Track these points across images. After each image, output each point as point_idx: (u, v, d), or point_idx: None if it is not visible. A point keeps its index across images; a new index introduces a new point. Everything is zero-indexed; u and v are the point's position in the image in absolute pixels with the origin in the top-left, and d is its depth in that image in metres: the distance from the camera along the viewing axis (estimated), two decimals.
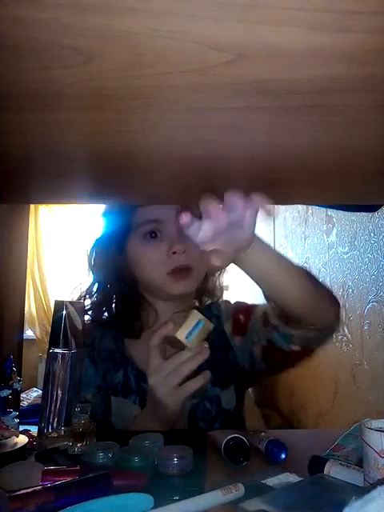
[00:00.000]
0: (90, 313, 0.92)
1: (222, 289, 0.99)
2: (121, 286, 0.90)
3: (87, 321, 0.93)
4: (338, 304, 0.77)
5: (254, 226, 0.58)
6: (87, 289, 0.92)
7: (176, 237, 0.82)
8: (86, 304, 0.91)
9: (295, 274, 0.69)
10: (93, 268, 0.92)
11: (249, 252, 0.62)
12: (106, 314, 0.93)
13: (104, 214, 0.92)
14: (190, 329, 0.70)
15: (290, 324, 0.75)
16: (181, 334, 0.70)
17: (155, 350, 0.71)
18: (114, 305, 0.93)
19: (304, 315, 0.72)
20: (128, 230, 0.86)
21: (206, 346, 0.71)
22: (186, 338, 0.70)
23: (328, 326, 0.76)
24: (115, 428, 0.83)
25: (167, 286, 0.84)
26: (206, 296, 0.98)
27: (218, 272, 0.96)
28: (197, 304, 0.98)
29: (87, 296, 0.92)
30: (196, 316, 0.71)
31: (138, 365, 0.87)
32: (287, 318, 0.75)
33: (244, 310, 0.91)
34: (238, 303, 0.96)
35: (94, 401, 0.82)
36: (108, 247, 0.89)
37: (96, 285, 0.92)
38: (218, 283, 0.98)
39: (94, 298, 0.92)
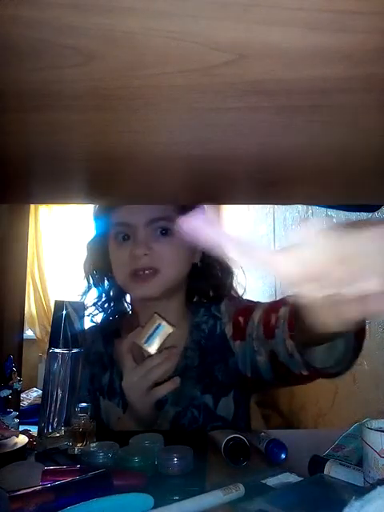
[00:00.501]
0: (89, 316, 0.94)
1: (227, 287, 0.94)
2: (107, 287, 0.94)
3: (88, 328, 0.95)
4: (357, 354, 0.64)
5: None
6: (84, 292, 0.95)
7: (143, 239, 0.82)
8: (86, 304, 0.93)
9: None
10: (86, 272, 0.95)
11: None
12: (98, 309, 0.96)
13: (94, 218, 0.95)
14: (150, 333, 0.72)
15: (305, 354, 0.63)
16: (140, 339, 0.72)
17: (127, 355, 0.74)
18: (102, 307, 0.95)
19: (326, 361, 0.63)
20: (107, 232, 0.88)
21: (175, 351, 0.74)
22: (145, 342, 0.72)
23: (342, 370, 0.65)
24: (107, 427, 0.85)
25: (129, 287, 0.86)
26: (206, 294, 0.97)
27: (219, 271, 0.93)
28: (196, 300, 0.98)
29: (84, 296, 0.95)
30: (155, 320, 0.73)
31: (121, 368, 0.87)
32: (307, 349, 0.63)
33: (243, 310, 0.85)
34: (239, 302, 0.91)
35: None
36: (94, 249, 0.93)
37: (92, 289, 0.95)
38: (219, 281, 0.94)
39: (92, 301, 0.95)
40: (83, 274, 0.95)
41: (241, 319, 0.85)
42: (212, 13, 0.26)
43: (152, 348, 0.72)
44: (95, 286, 0.95)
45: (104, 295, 0.95)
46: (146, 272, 0.82)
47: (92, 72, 0.33)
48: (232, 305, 0.90)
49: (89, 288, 0.95)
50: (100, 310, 0.95)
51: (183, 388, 0.79)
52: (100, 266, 0.92)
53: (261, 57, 0.31)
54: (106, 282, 0.94)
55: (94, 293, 0.95)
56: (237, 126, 0.43)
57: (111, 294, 0.95)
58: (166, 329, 0.72)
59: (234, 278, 0.94)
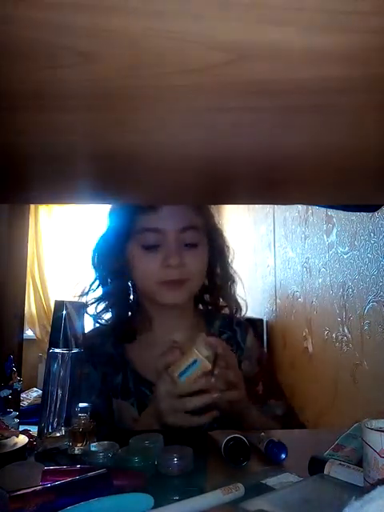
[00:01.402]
0: (89, 310, 0.92)
1: (237, 303, 0.97)
2: (118, 287, 0.92)
3: (89, 330, 0.95)
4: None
5: None
6: (89, 285, 0.93)
7: (174, 250, 0.82)
8: (87, 301, 0.92)
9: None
10: (94, 265, 0.93)
11: None
12: (104, 317, 0.94)
13: (110, 213, 0.93)
14: (185, 367, 0.68)
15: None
16: (174, 371, 0.68)
17: (164, 374, 0.71)
18: (111, 307, 0.93)
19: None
20: (128, 235, 0.86)
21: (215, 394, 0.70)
22: (179, 376, 0.68)
23: None
24: (118, 427, 0.85)
25: (159, 294, 0.85)
26: (218, 307, 0.97)
27: (230, 283, 0.95)
28: (200, 308, 0.98)
29: (88, 293, 0.93)
30: (192, 354, 0.68)
31: (137, 368, 0.88)
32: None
33: (267, 380, 0.92)
34: (259, 345, 0.97)
35: (97, 402, 0.84)
36: (109, 247, 0.90)
37: (96, 282, 0.93)
38: (230, 295, 0.96)
39: (95, 296, 0.93)
40: (92, 272, 0.93)
41: (260, 386, 0.91)
42: (212, 13, 0.26)
43: (184, 384, 0.68)
44: (103, 286, 0.93)
45: (115, 296, 0.93)
46: (176, 282, 0.83)
47: (91, 72, 0.33)
48: (257, 346, 0.97)
49: (97, 286, 0.93)
50: (109, 310, 0.93)
51: None
52: (114, 268, 0.90)
53: (261, 57, 0.31)
54: (118, 284, 0.92)
55: (99, 291, 0.93)
56: (237, 126, 0.43)
57: (123, 295, 0.93)
58: (203, 364, 0.67)
59: (235, 286, 0.97)
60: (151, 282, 0.84)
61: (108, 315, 0.94)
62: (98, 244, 0.93)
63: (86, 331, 0.94)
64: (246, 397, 0.77)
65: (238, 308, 0.96)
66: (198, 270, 0.87)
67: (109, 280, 0.92)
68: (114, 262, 0.89)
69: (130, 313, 0.93)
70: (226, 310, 0.97)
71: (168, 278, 0.83)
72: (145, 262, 0.85)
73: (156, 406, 0.72)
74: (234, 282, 0.95)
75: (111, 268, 0.90)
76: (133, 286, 0.92)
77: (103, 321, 0.94)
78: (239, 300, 0.97)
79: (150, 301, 0.89)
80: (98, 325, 0.94)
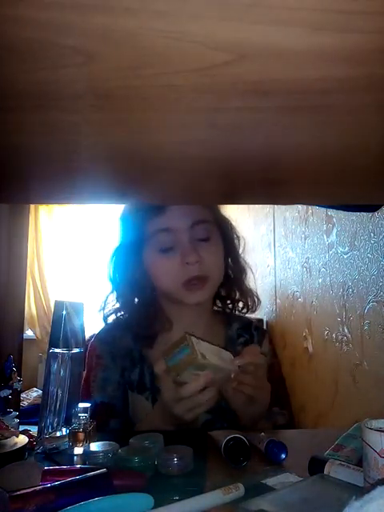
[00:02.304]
0: (108, 320, 0.94)
1: (251, 295, 0.97)
2: (139, 294, 0.91)
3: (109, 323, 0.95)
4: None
5: None
6: (106, 298, 0.93)
7: (189, 247, 0.82)
8: (105, 313, 0.92)
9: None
10: (111, 278, 0.92)
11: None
12: (125, 315, 0.94)
13: (121, 219, 0.93)
14: (173, 353, 0.66)
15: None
16: (165, 354, 0.67)
17: (165, 376, 0.69)
18: (131, 317, 0.93)
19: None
20: (142, 240, 0.86)
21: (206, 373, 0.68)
22: (167, 361, 0.67)
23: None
24: (132, 421, 0.86)
25: (183, 295, 0.85)
26: (234, 302, 0.97)
27: (243, 275, 0.95)
28: (219, 307, 0.98)
29: (106, 306, 0.93)
30: (183, 340, 0.66)
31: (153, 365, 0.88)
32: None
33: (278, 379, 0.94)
34: (273, 352, 0.97)
35: (114, 394, 0.87)
36: (126, 258, 0.90)
37: (114, 294, 0.93)
38: (244, 287, 0.96)
39: (113, 307, 0.93)
40: (109, 284, 0.93)
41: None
42: (212, 13, 0.26)
43: (172, 369, 0.66)
44: (122, 298, 0.92)
45: (134, 306, 0.92)
46: (199, 278, 0.83)
47: (92, 72, 0.33)
48: (271, 354, 1.00)
49: (115, 299, 0.93)
50: (128, 311, 0.93)
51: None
52: (134, 278, 0.89)
53: (261, 57, 0.31)
54: (138, 293, 0.91)
55: (118, 299, 0.93)
56: (237, 126, 0.43)
57: (144, 304, 0.91)
58: (192, 355, 0.64)
59: (247, 278, 0.97)
60: (174, 284, 0.84)
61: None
62: (113, 257, 0.92)
63: (105, 324, 0.96)
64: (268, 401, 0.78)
65: (253, 302, 0.96)
66: (217, 265, 0.87)
67: (127, 291, 0.92)
68: (132, 273, 0.89)
69: (148, 319, 0.92)
70: (243, 311, 0.97)
71: (189, 276, 0.83)
72: (164, 265, 0.85)
73: (161, 397, 0.73)
74: (246, 274, 0.96)
75: (131, 279, 0.90)
76: (152, 291, 0.91)
77: (121, 315, 0.94)
78: (253, 292, 0.97)
79: (171, 301, 0.89)
80: (116, 318, 0.95)
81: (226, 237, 0.93)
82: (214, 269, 0.85)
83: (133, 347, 0.91)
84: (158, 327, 0.91)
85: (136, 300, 0.92)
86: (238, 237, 0.97)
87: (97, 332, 0.95)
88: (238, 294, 0.96)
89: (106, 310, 0.93)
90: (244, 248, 0.97)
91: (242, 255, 0.96)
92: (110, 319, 0.94)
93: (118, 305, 0.93)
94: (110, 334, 0.93)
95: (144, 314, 0.90)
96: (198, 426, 0.84)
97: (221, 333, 0.91)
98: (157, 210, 0.83)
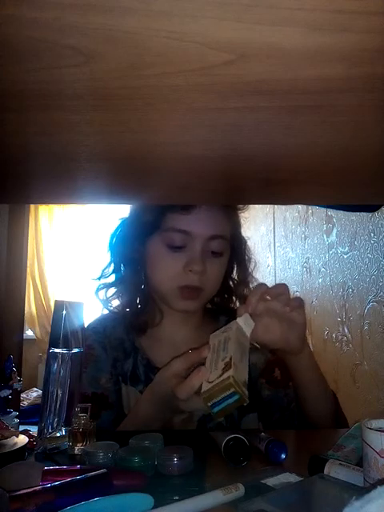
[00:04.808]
0: (99, 295, 0.92)
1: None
2: (130, 275, 0.90)
3: (101, 315, 0.95)
4: (335, 407, 0.82)
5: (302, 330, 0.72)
6: (103, 269, 0.92)
7: (199, 256, 0.81)
8: (98, 285, 0.91)
9: (324, 392, 0.80)
10: (110, 249, 0.91)
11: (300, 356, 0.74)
12: (114, 304, 0.93)
13: (132, 208, 0.91)
14: (220, 398, 0.57)
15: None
16: (207, 401, 0.58)
17: (174, 381, 0.64)
18: (121, 295, 0.92)
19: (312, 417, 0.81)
20: (153, 229, 0.84)
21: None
22: (212, 407, 0.58)
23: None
24: (126, 415, 0.83)
25: (173, 299, 0.84)
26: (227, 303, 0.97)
27: (245, 292, 0.93)
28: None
29: (101, 277, 0.92)
30: (229, 386, 0.57)
31: (147, 355, 0.88)
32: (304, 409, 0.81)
33: (278, 362, 0.88)
34: (274, 354, 0.92)
35: (107, 386, 0.85)
36: (128, 235, 0.88)
37: (111, 267, 0.92)
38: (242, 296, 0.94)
39: (107, 281, 0.92)
40: (107, 255, 0.91)
41: (277, 372, 0.90)
42: (212, 13, 0.26)
43: (216, 415, 0.58)
44: (116, 272, 0.91)
45: (126, 284, 0.91)
46: (195, 288, 0.82)
47: (92, 72, 0.33)
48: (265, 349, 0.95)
49: (111, 272, 0.91)
50: (119, 297, 0.92)
51: None
52: (130, 256, 0.88)
53: (261, 57, 0.31)
54: (131, 273, 0.90)
55: (111, 277, 0.92)
56: (237, 126, 0.43)
57: (134, 285, 0.90)
58: (241, 400, 0.57)
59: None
60: (170, 284, 0.82)
61: (117, 302, 0.93)
62: (117, 229, 0.91)
63: (97, 316, 0.94)
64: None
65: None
66: (216, 281, 0.86)
67: (122, 267, 0.91)
68: (130, 250, 0.88)
69: (139, 305, 0.91)
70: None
71: (188, 283, 0.81)
72: (167, 263, 0.83)
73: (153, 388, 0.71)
74: (249, 289, 0.93)
75: (127, 256, 0.89)
76: (145, 279, 0.89)
77: (113, 308, 0.93)
78: None
79: (160, 299, 0.89)
80: (108, 311, 0.94)
81: (238, 256, 0.92)
82: (212, 283, 0.84)
83: (125, 338, 0.90)
84: (148, 318, 0.90)
85: (128, 279, 0.90)
86: (249, 258, 0.95)
87: (87, 323, 0.92)
88: (235, 301, 0.96)
89: (101, 281, 0.92)
90: (254, 269, 0.95)
91: (253, 274, 0.94)
92: (102, 294, 0.92)
93: (112, 278, 0.92)
94: (101, 324, 0.92)
95: (133, 297, 0.90)
96: (194, 422, 0.83)
97: (209, 327, 0.90)
98: (181, 207, 0.81)
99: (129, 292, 0.91)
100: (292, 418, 0.86)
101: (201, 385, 0.60)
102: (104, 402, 0.83)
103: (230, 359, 0.60)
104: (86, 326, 0.91)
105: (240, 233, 0.93)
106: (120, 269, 0.91)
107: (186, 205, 0.81)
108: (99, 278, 0.92)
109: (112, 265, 0.91)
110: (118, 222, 0.92)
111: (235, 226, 0.90)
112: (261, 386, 0.89)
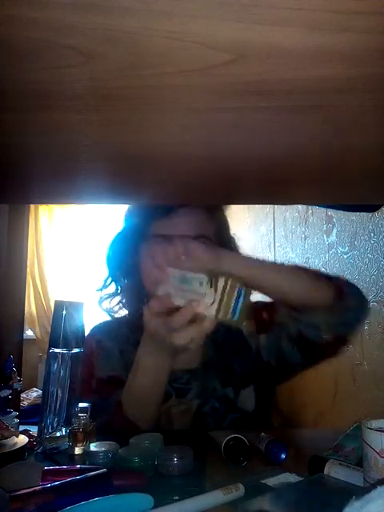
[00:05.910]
0: (103, 305, 0.96)
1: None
2: (131, 284, 0.93)
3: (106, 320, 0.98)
4: (333, 283, 0.79)
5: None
6: (104, 281, 0.96)
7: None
8: (100, 296, 0.96)
9: (283, 272, 0.79)
10: (108, 262, 0.95)
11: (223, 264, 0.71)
12: (119, 304, 0.97)
13: (126, 214, 0.95)
14: (233, 304, 0.62)
15: (302, 312, 0.78)
16: (225, 316, 0.62)
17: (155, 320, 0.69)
18: (124, 304, 0.96)
19: (305, 303, 0.77)
20: (144, 237, 0.87)
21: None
22: (232, 316, 0.62)
23: (333, 305, 0.77)
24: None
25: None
26: None
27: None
28: None
29: (102, 289, 0.96)
30: (234, 288, 0.62)
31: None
32: (295, 308, 0.79)
33: (266, 307, 0.92)
34: (255, 303, 0.95)
35: (118, 368, 0.88)
36: (123, 247, 0.92)
37: (110, 279, 0.96)
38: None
39: (108, 292, 0.96)
40: (105, 268, 0.95)
41: (265, 314, 0.91)
42: (212, 13, 0.26)
43: (239, 319, 0.62)
44: (116, 283, 0.95)
45: (127, 293, 0.95)
46: None
47: (92, 72, 0.33)
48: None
49: (110, 283, 0.95)
50: (122, 306, 0.96)
51: (204, 381, 0.86)
52: (128, 266, 0.92)
53: (261, 57, 0.31)
54: (131, 281, 0.93)
55: (112, 287, 0.96)
56: (237, 126, 0.43)
57: (136, 292, 0.93)
58: (245, 293, 0.61)
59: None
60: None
61: (122, 311, 0.97)
62: (113, 242, 0.95)
63: (100, 321, 0.99)
64: None
65: None
66: None
67: (122, 278, 0.95)
68: (127, 261, 0.91)
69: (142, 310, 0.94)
70: None
71: None
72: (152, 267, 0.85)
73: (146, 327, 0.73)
74: None
75: (125, 267, 0.92)
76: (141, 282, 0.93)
77: (117, 315, 0.97)
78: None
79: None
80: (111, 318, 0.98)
81: None
82: None
83: (130, 335, 0.93)
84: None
85: (129, 288, 0.94)
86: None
87: (92, 327, 0.99)
88: None
89: (102, 293, 0.96)
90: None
91: None
92: (105, 304, 0.96)
93: (113, 289, 0.95)
94: (106, 324, 0.98)
95: (136, 303, 0.93)
96: (191, 413, 0.84)
97: None
98: (163, 212, 0.84)
99: (132, 302, 0.95)
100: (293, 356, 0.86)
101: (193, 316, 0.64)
102: (117, 382, 0.85)
103: (208, 277, 0.64)
104: (90, 329, 0.96)
105: (226, 231, 0.96)
106: (121, 280, 0.95)
107: (167, 210, 0.83)
108: (101, 289, 0.96)
109: (112, 277, 0.95)
110: (112, 237, 0.95)
111: (220, 225, 0.93)
112: (255, 339, 0.92)
